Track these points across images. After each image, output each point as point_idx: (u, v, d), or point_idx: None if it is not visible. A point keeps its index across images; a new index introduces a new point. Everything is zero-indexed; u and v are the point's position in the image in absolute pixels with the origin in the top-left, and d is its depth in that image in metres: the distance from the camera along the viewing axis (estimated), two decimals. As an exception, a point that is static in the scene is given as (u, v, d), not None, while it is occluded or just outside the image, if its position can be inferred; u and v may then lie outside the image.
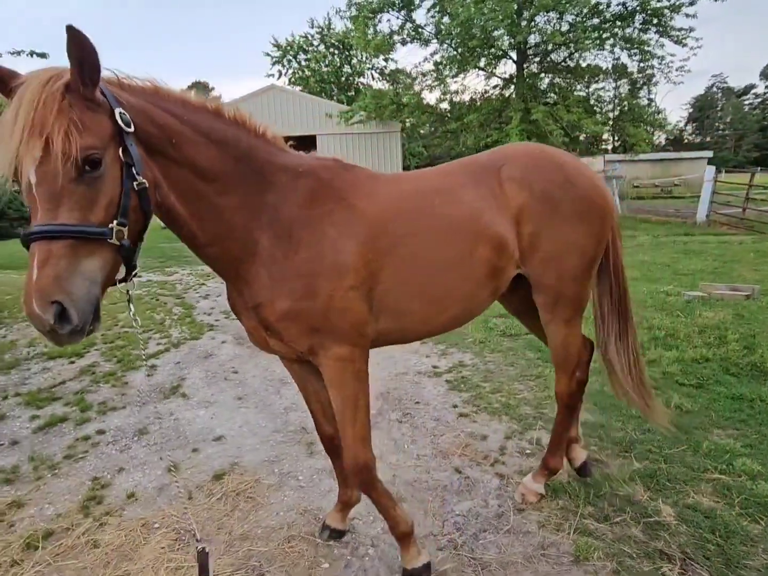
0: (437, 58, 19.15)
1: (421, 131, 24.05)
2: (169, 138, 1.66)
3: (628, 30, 17.22)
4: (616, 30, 17.28)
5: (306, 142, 20.81)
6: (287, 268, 1.90)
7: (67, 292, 1.36)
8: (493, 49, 18.03)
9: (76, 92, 1.40)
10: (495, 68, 19.91)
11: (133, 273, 1.60)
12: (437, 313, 2.25)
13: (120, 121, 1.49)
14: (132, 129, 1.53)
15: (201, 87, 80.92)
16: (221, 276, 2.00)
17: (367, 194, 2.08)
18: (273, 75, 34.29)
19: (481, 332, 5.76)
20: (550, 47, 18.50)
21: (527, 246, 2.27)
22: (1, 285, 10.38)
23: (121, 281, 1.60)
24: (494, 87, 20.37)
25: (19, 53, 6.88)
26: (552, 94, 19.73)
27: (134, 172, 1.52)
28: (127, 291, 1.65)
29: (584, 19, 17.33)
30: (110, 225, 1.46)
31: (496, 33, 17.00)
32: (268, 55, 33.65)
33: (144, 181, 1.54)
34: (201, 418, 4.06)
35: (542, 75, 19.60)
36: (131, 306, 1.71)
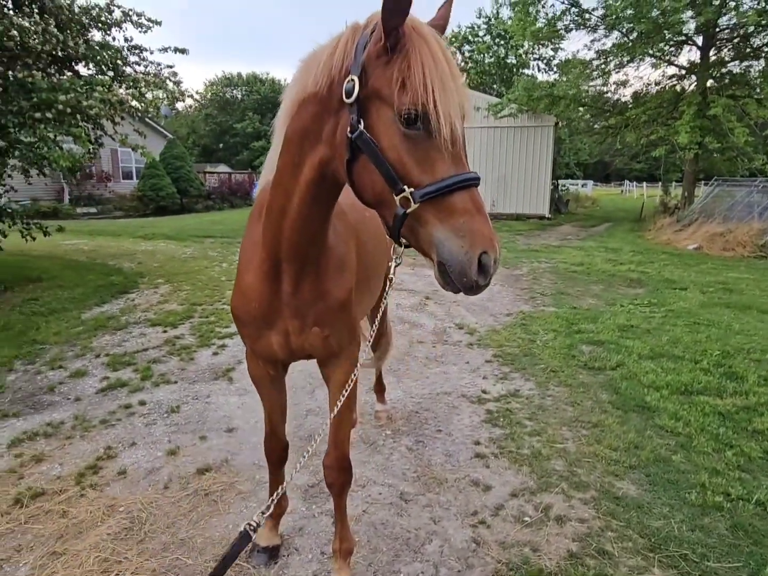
0: (599, 45, 17.32)
1: (593, 125, 22.00)
2: None
3: None
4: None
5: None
6: (337, 258, 1.93)
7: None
8: (670, 34, 15.69)
9: None
10: (674, 56, 17.40)
11: None
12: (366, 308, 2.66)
13: None
14: None
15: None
16: (300, 251, 1.78)
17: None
18: (435, 67, 34.30)
19: (558, 359, 5.04)
20: (751, 29, 15.56)
21: None
22: (157, 253, 11.98)
23: None
24: (670, 77, 17.82)
25: (166, 50, 7.76)
26: (746, 86, 16.62)
27: None
28: None
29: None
30: None
31: (675, 16, 14.73)
32: (432, 46, 33.70)
33: None
34: (229, 406, 4.14)
35: (734, 62, 16.59)
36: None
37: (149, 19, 8.38)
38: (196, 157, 46.16)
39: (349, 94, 1.34)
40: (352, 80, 1.33)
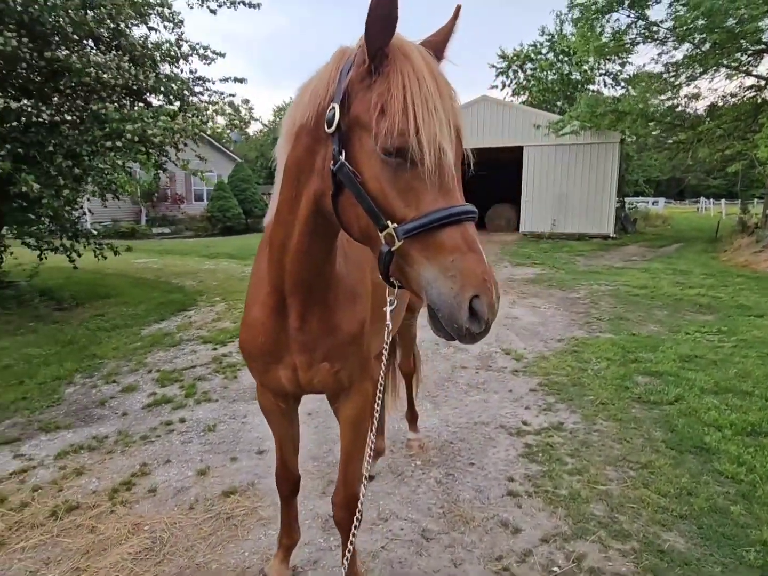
0: (668, 58, 16.54)
1: (664, 140, 20.98)
2: None
3: None
4: None
5: (508, 153, 20.20)
6: (347, 289, 1.85)
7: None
8: (747, 43, 14.74)
9: None
10: (752, 66, 16.33)
11: None
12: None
13: None
14: None
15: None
16: (305, 286, 1.72)
17: None
18: (496, 86, 34.13)
19: (609, 390, 4.71)
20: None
21: None
22: (218, 272, 12.49)
23: None
24: (748, 88, 16.71)
25: (227, 80, 8.17)
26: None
27: None
28: None
29: None
30: None
31: (753, 24, 13.83)
32: (493, 66, 33.62)
33: None
34: (264, 427, 4.13)
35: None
36: None
37: (214, 52, 8.87)
38: (264, 179, 48.17)
39: (329, 124, 1.29)
40: (333, 108, 1.29)
